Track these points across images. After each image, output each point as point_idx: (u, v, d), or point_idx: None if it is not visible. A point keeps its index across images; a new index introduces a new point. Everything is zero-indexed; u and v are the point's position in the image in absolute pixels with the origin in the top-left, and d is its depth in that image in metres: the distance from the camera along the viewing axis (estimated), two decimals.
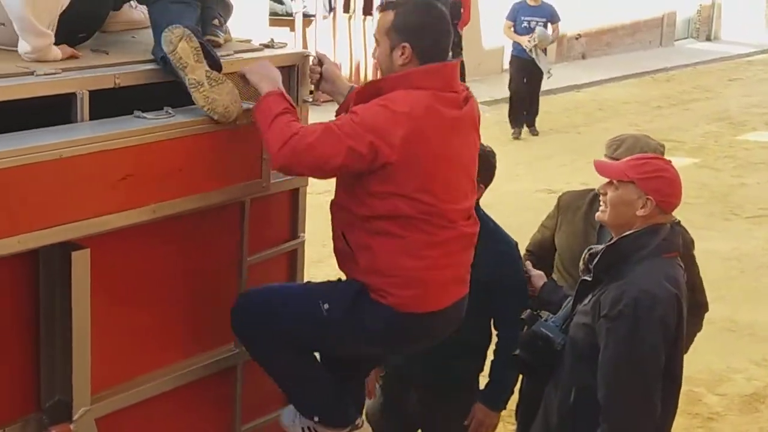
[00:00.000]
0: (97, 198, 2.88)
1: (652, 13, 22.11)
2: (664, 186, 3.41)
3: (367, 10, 14.93)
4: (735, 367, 6.70)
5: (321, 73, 3.58)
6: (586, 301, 3.44)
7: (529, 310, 3.68)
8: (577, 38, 19.50)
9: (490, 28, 17.27)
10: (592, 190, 4.25)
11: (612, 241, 3.43)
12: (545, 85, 13.63)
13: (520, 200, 10.27)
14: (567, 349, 3.45)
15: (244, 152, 3.29)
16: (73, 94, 2.94)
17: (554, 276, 4.32)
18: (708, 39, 23.50)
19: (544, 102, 14.71)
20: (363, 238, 3.23)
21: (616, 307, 3.28)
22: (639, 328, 3.25)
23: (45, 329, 2.94)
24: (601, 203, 3.49)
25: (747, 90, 17.67)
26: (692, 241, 4.29)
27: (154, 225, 3.09)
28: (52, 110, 2.92)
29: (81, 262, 2.87)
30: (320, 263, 6.90)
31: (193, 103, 3.14)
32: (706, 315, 4.36)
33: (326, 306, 3.27)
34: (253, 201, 3.44)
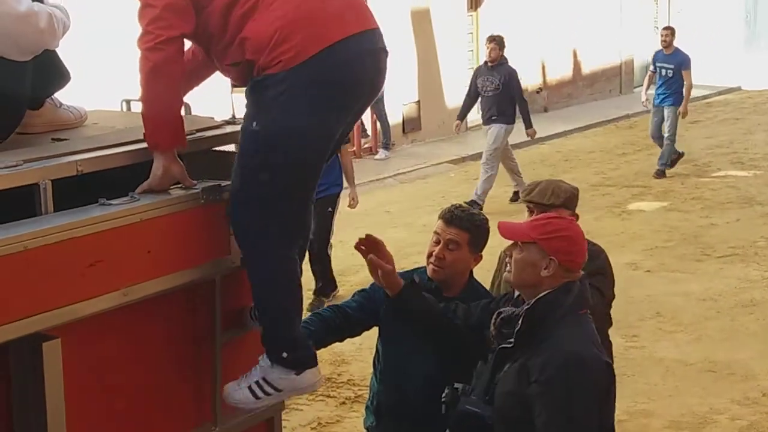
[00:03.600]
0: (65, 287, 2.86)
1: (610, 61, 22.44)
2: (566, 245, 3.43)
3: None
4: (717, 408, 6.70)
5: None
6: (506, 367, 3.41)
7: (447, 390, 3.57)
8: (538, 92, 19.72)
9: (452, 87, 17.44)
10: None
11: (530, 305, 3.41)
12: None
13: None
14: (496, 420, 3.41)
15: (211, 230, 3.29)
16: (36, 185, 2.94)
17: None
18: None
19: None
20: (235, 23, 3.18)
21: (545, 372, 3.27)
22: (572, 392, 3.25)
23: (18, 422, 2.90)
24: (507, 264, 3.51)
25: (708, 131, 17.90)
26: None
27: (125, 309, 3.08)
28: (16, 202, 2.91)
29: (52, 352, 2.84)
30: None
31: None
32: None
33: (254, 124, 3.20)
34: (223, 278, 3.43)
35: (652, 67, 14.19)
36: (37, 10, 3.14)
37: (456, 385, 3.62)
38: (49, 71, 3.37)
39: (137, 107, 3.85)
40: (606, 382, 3.39)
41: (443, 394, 3.57)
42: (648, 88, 14.35)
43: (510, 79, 12.29)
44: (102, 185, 3.13)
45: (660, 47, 14.08)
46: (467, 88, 12.97)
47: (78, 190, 3.08)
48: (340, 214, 8.96)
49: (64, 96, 3.56)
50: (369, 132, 15.86)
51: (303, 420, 6.33)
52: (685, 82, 13.70)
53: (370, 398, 4.25)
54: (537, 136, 13.78)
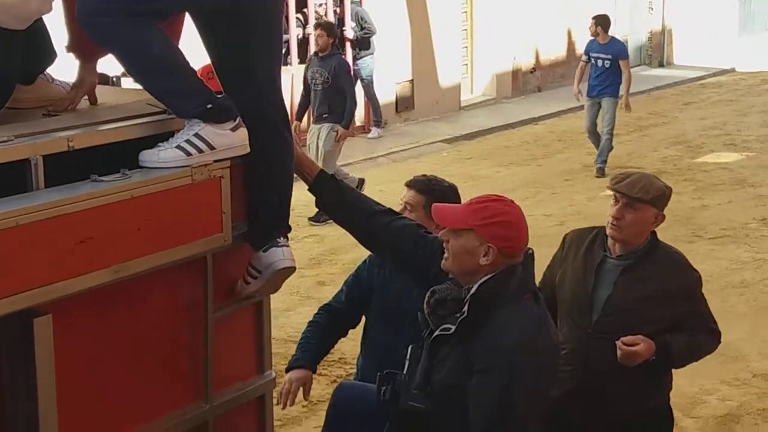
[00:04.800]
0: (56, 263, 2.86)
1: None
2: (506, 231, 3.30)
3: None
4: (707, 388, 6.73)
5: None
6: (444, 353, 3.29)
7: (384, 382, 3.43)
8: (531, 71, 19.68)
9: (446, 66, 17.41)
10: (598, 227, 4.27)
11: (473, 291, 3.29)
12: (502, 119, 13.75)
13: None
14: (437, 410, 3.30)
15: (202, 207, 3.29)
16: (27, 160, 2.93)
17: (559, 324, 4.21)
18: (661, 65, 23.77)
19: (502, 136, 14.84)
20: None
21: (489, 359, 3.20)
22: (515, 379, 3.19)
23: (10, 398, 2.91)
24: (445, 251, 3.37)
25: (702, 113, 17.89)
26: (699, 278, 4.30)
27: (116, 285, 3.08)
28: (7, 177, 2.91)
29: (43, 328, 2.84)
30: (288, 311, 6.89)
31: None
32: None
33: None
34: (215, 255, 3.43)
35: (584, 57, 13.31)
36: None
37: (392, 372, 3.48)
38: (40, 46, 3.37)
39: (128, 83, 3.84)
40: (550, 351, 3.36)
41: (381, 388, 3.43)
42: (580, 80, 13.31)
43: (339, 71, 10.83)
44: (93, 161, 3.12)
45: (591, 37, 13.23)
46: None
47: (69, 165, 3.07)
48: None
49: (53, 72, 3.55)
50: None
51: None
52: (624, 73, 12.93)
53: (355, 375, 4.29)
54: (530, 115, 13.76)
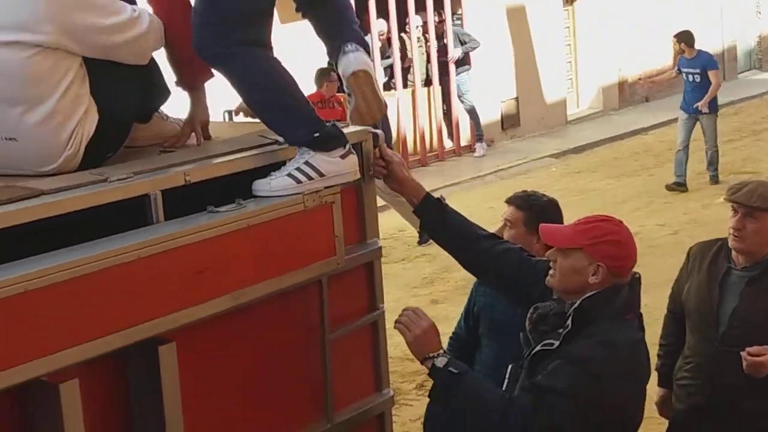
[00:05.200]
0: (177, 292, 2.96)
1: (712, 48, 21.94)
2: (615, 250, 3.28)
3: (428, 83, 15.14)
4: None
5: (386, 171, 3.70)
6: (542, 369, 3.25)
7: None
8: (638, 81, 19.45)
9: (550, 81, 17.33)
10: (721, 239, 4.22)
11: (577, 304, 3.28)
12: (610, 131, 13.61)
13: None
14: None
15: (316, 232, 3.37)
16: (146, 196, 3.05)
17: (687, 337, 4.26)
18: None
19: (611, 148, 14.68)
20: None
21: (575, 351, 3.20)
22: (599, 369, 3.18)
23: (138, 426, 3.01)
24: (552, 269, 3.36)
25: None
26: None
27: (235, 312, 3.17)
28: (127, 212, 3.03)
29: (168, 355, 2.94)
30: None
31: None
32: None
33: None
34: (330, 278, 3.50)
35: (675, 69, 13.07)
36: (139, 12, 3.28)
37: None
38: (155, 84, 3.49)
39: (238, 117, 3.96)
40: (641, 373, 3.32)
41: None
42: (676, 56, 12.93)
43: None
44: (208, 193, 3.22)
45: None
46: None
47: (186, 199, 3.18)
48: None
49: (165, 109, 3.68)
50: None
51: (413, 415, 6.39)
52: (712, 82, 12.51)
53: None
54: (640, 126, 13.55)
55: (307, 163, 3.33)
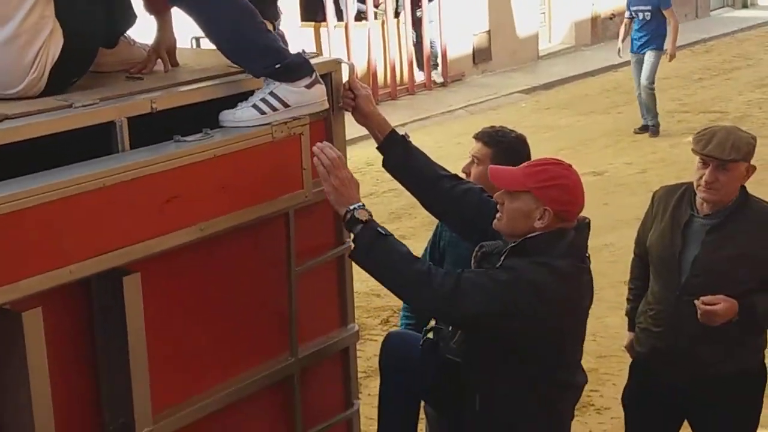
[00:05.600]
0: (143, 222, 2.93)
1: None
2: (563, 195, 3.27)
3: (397, 13, 15.01)
4: None
5: (354, 103, 3.63)
6: None
7: (427, 338, 3.56)
8: (611, 18, 19.37)
9: (523, 16, 17.23)
10: (685, 183, 4.17)
11: (516, 243, 3.28)
12: (582, 68, 13.57)
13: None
14: (474, 364, 3.41)
15: (284, 165, 3.33)
16: (112, 123, 3.00)
17: (651, 283, 4.24)
18: (744, 6, 23.24)
19: (581, 85, 14.66)
20: None
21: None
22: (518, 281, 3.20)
23: (102, 355, 3.00)
24: (498, 211, 3.35)
25: None
26: None
27: (202, 243, 3.14)
28: (92, 140, 2.98)
29: (132, 286, 2.92)
30: None
31: None
32: None
33: None
34: (297, 211, 3.48)
35: (627, 13, 12.38)
36: None
37: (438, 325, 3.61)
38: (121, 8, 3.42)
39: (207, 44, 3.88)
40: (574, 295, 3.31)
41: (422, 338, 3.56)
42: (625, 37, 12.53)
43: None
44: (175, 122, 3.17)
45: None
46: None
47: (152, 127, 3.13)
48: None
49: (133, 35, 3.61)
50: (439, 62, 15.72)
51: (378, 350, 6.40)
52: (669, 22, 12.10)
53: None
54: (610, 63, 13.48)
55: (272, 93, 3.28)
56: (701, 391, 4.12)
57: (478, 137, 4.13)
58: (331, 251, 3.72)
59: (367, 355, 6.14)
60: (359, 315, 6.66)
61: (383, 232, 3.30)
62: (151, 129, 3.10)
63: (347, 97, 3.63)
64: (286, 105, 3.29)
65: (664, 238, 4.12)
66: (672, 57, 12.52)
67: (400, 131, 3.76)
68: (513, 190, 3.29)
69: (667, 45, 12.28)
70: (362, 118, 3.68)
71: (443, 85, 15.61)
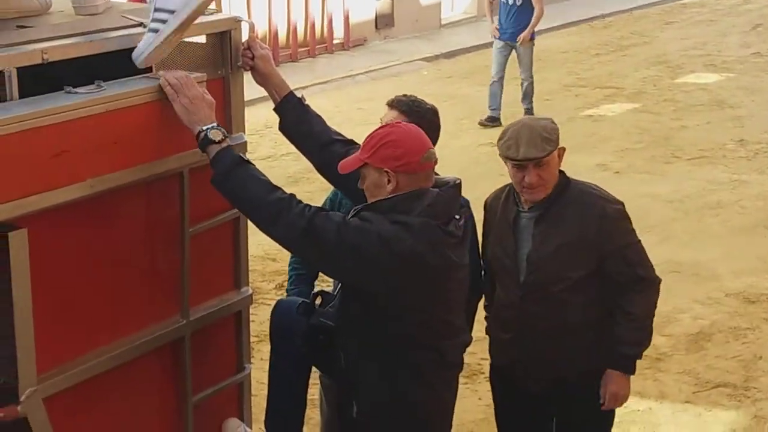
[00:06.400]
0: (31, 176, 2.84)
1: None
2: (392, 150, 3.27)
3: None
4: (680, 307, 6.82)
5: (252, 63, 3.56)
6: None
7: (302, 301, 3.61)
8: None
9: None
10: (508, 184, 3.99)
11: (368, 203, 3.32)
12: (483, 38, 13.61)
13: (466, 155, 10.33)
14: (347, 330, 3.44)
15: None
16: (0, 72, 2.89)
17: (497, 291, 4.05)
18: None
19: (483, 55, 14.72)
20: None
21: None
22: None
23: None
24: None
25: (683, 33, 17.81)
26: (620, 210, 3.94)
27: (92, 200, 3.06)
28: None
29: (18, 242, 2.83)
30: None
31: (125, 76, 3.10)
32: (650, 259, 4.03)
33: None
34: (191, 171, 3.41)
35: None
36: None
37: (326, 291, 3.63)
38: None
39: None
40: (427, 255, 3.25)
41: (299, 305, 3.60)
42: (493, 15, 11.89)
43: None
44: (66, 74, 3.08)
45: None
46: None
47: (43, 78, 3.03)
48: None
49: None
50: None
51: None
52: (536, 8, 11.43)
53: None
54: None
55: (156, 9, 3.20)
56: (561, 392, 3.98)
57: (393, 105, 4.04)
58: (225, 213, 3.66)
59: (261, 319, 6.09)
60: (254, 279, 6.61)
61: (244, 158, 3.26)
62: (42, 80, 3.00)
63: (246, 56, 3.57)
64: (171, 11, 3.19)
65: (500, 240, 3.97)
66: (524, 40, 11.64)
67: (298, 94, 3.71)
68: (354, 169, 3.33)
69: (527, 30, 11.58)
70: (261, 78, 3.62)
71: (345, 49, 15.53)
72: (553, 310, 3.88)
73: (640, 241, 3.97)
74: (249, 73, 3.62)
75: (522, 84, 11.90)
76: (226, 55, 3.51)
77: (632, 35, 17.56)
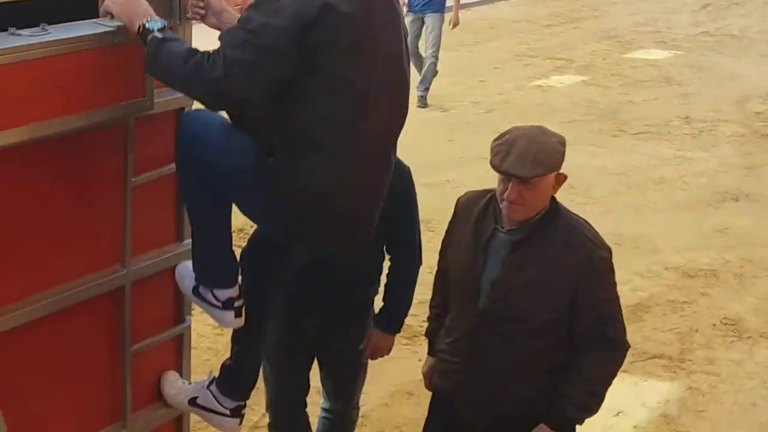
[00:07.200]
0: None
1: None
2: None
3: None
4: (620, 279, 6.78)
5: (203, 12, 3.49)
6: None
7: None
8: None
9: None
10: (491, 191, 3.59)
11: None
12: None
13: (410, 119, 10.30)
14: None
15: (126, 70, 3.21)
16: None
17: (451, 304, 3.72)
18: None
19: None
20: None
21: None
22: None
23: None
24: None
25: (633, 8, 17.94)
26: (607, 259, 3.63)
27: (34, 146, 3.01)
28: None
29: None
30: None
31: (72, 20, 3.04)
32: None
33: None
34: (137, 121, 3.36)
35: None
36: None
37: None
38: None
39: None
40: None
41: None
42: None
43: None
44: (11, 16, 3.01)
45: None
46: None
47: None
48: None
49: None
50: None
51: None
52: None
53: None
54: (462, 1, 13.44)
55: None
56: (498, 430, 3.63)
57: None
58: (169, 165, 3.62)
59: None
60: None
61: (166, 36, 3.13)
62: None
63: (196, 6, 3.50)
64: None
65: (465, 254, 3.59)
66: (455, 24, 11.62)
67: None
68: None
69: (454, 10, 11.38)
70: (214, 18, 3.52)
71: None
72: (506, 350, 3.53)
73: (618, 298, 3.65)
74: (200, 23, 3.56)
75: (424, 63, 11.17)
76: (174, 6, 3.45)
77: (583, 8, 17.65)
